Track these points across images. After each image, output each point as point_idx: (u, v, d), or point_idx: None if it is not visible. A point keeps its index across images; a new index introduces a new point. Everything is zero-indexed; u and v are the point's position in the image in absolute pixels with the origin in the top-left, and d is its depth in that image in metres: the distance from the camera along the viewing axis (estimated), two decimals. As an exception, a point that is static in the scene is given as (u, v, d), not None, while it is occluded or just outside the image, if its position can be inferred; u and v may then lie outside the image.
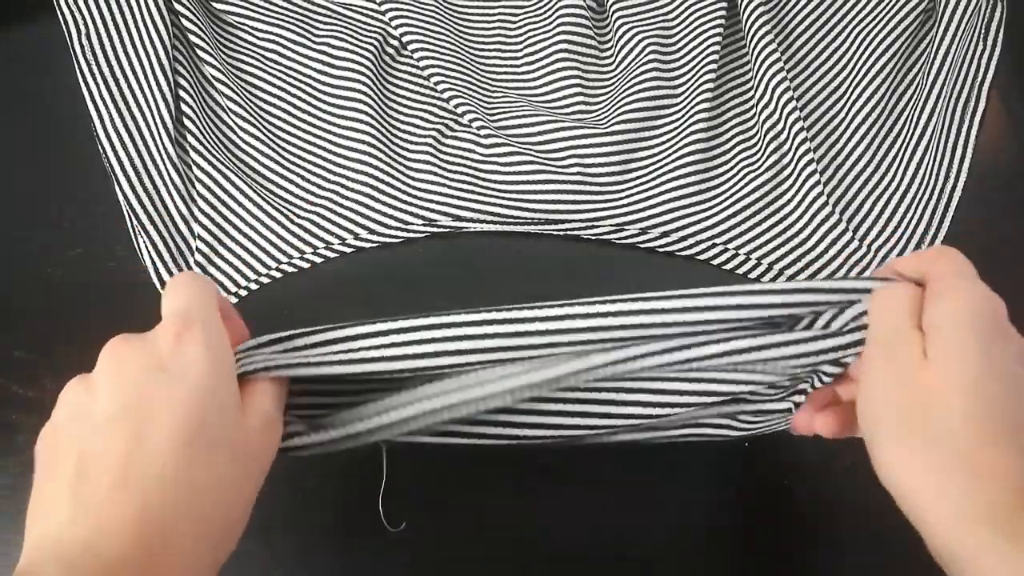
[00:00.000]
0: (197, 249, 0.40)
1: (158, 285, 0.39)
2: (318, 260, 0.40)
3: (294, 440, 0.27)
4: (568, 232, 0.41)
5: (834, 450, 0.35)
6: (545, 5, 0.47)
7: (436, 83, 0.44)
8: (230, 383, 0.25)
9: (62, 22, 0.42)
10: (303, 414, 0.28)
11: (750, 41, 0.44)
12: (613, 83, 0.45)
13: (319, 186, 0.42)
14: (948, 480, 0.22)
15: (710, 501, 0.36)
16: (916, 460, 0.23)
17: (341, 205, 0.41)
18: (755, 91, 0.43)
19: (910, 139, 0.42)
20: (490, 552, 0.35)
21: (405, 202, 0.42)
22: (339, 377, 0.27)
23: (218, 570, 0.23)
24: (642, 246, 0.41)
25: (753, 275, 0.40)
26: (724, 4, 0.45)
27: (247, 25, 0.45)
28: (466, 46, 0.47)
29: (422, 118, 0.44)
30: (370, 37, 0.45)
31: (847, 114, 0.44)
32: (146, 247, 0.39)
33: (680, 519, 0.35)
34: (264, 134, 0.43)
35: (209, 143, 0.42)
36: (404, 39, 0.45)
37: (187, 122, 0.42)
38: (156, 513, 0.21)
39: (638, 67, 0.44)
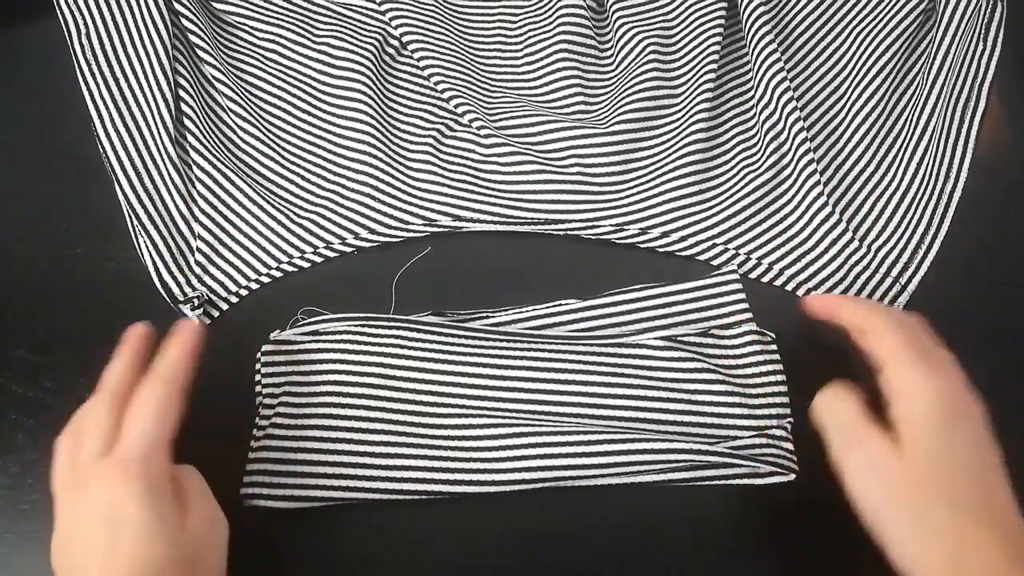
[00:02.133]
0: (197, 249, 0.40)
1: (158, 285, 0.39)
2: (318, 260, 0.40)
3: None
4: (568, 232, 0.41)
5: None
6: (545, 5, 0.47)
7: (436, 83, 0.44)
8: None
9: (62, 22, 0.42)
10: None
11: (750, 41, 0.44)
12: (613, 83, 0.45)
13: (319, 186, 0.42)
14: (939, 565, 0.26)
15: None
16: (913, 550, 0.27)
17: (341, 205, 0.42)
18: (755, 91, 0.43)
19: (910, 139, 0.42)
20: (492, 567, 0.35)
21: (405, 202, 0.42)
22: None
23: None
24: (642, 246, 0.41)
25: (753, 275, 0.40)
26: (724, 4, 0.45)
27: (247, 25, 0.45)
28: (466, 46, 0.47)
29: (422, 118, 0.44)
30: (370, 37, 0.45)
31: (847, 114, 0.44)
32: (146, 247, 0.39)
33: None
34: (264, 134, 0.43)
35: (209, 143, 0.42)
36: (404, 39, 0.45)
37: (187, 122, 0.42)
38: None
39: (638, 67, 0.44)
